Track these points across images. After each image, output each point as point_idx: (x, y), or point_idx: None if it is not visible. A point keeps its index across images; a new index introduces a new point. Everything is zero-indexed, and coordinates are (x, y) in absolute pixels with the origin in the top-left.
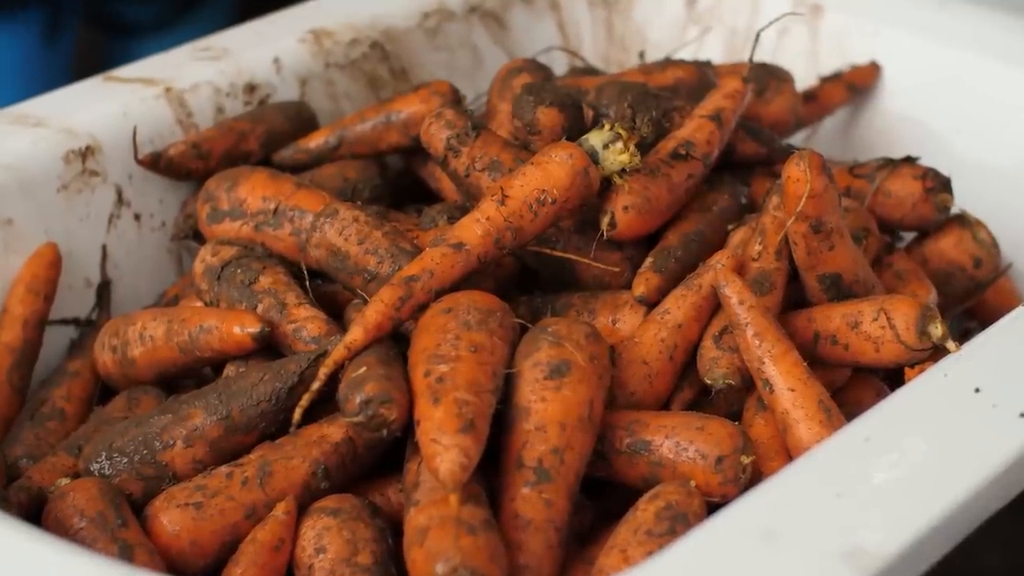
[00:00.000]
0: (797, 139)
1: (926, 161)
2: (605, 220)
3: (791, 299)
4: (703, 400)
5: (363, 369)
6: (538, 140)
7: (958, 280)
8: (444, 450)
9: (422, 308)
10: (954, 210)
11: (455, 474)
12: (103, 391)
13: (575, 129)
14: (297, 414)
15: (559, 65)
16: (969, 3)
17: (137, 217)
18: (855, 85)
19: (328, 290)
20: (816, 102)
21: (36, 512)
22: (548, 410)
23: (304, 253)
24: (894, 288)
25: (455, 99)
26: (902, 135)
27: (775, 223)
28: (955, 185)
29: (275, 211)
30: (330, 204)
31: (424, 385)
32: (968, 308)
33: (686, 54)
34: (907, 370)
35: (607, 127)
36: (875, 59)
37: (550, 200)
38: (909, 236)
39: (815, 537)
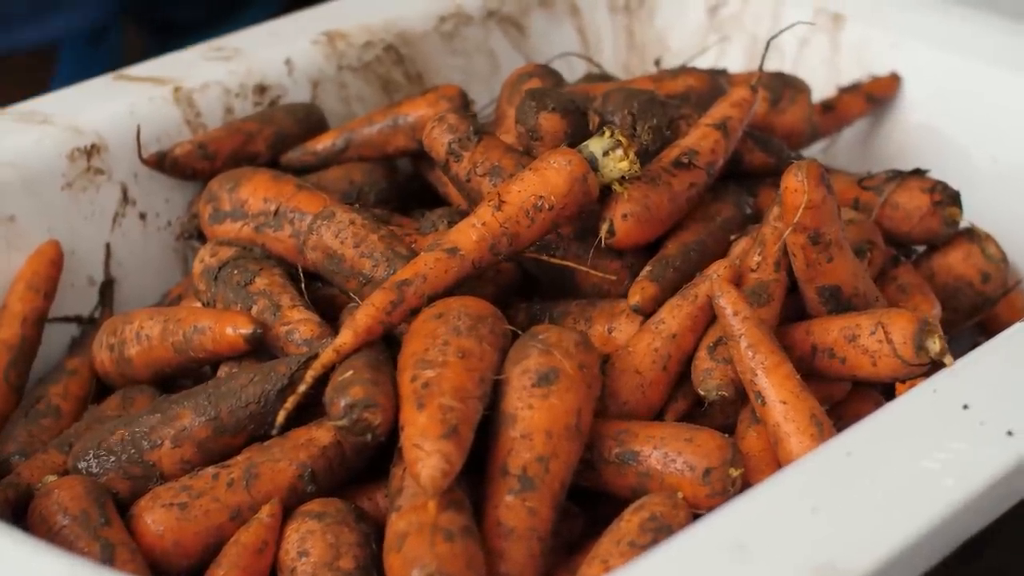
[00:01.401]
0: (815, 150)
1: (946, 173)
2: (604, 228)
3: (793, 311)
4: (697, 411)
5: (349, 373)
6: (540, 146)
7: (966, 295)
8: (426, 456)
9: (414, 313)
10: (966, 223)
11: (435, 480)
12: (102, 389)
13: (579, 135)
14: (281, 416)
15: (580, 72)
16: (991, 15)
17: (142, 216)
18: (874, 96)
19: (327, 293)
20: (834, 113)
21: (25, 509)
22: (534, 418)
23: (302, 255)
24: (897, 302)
25: (463, 103)
26: (921, 147)
27: (775, 234)
28: (975, 197)
29: (276, 212)
30: (327, 207)
31: (410, 390)
32: (980, 323)
33: (706, 62)
34: (898, 385)
35: (607, 134)
36: (895, 70)
37: (547, 206)
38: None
39: (786, 552)
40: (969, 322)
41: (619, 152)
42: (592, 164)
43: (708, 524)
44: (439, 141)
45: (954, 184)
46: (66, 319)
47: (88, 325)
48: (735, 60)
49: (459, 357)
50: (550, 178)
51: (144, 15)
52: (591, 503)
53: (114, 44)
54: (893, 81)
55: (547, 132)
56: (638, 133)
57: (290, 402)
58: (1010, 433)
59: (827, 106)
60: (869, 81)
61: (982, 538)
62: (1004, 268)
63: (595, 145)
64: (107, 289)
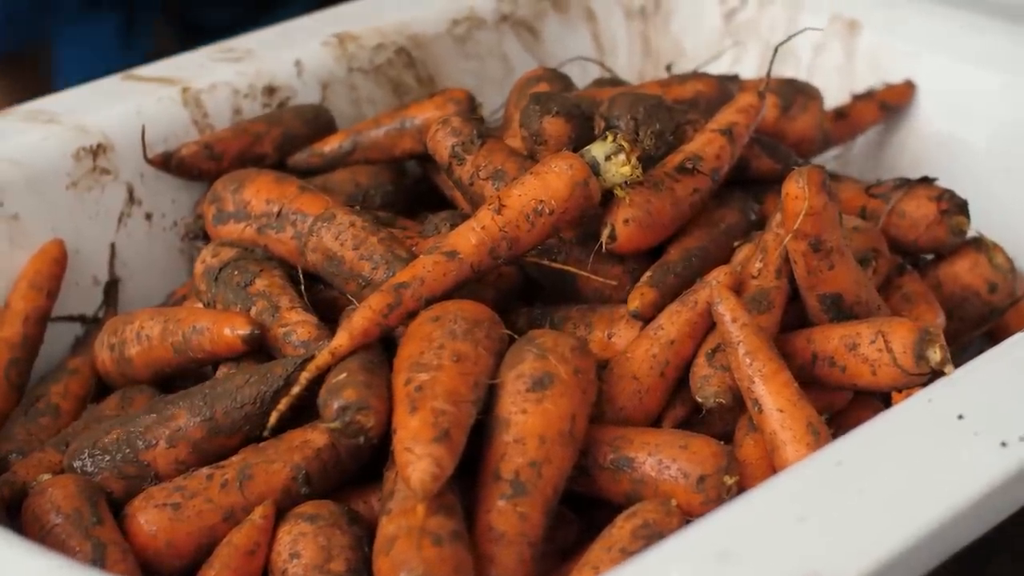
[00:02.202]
0: (829, 157)
1: (959, 182)
2: (605, 233)
3: (796, 319)
4: (696, 418)
5: (343, 375)
6: (544, 150)
7: (973, 305)
8: (416, 459)
9: (411, 316)
10: (977, 232)
11: (425, 484)
12: (105, 389)
13: (583, 140)
14: (273, 418)
15: (595, 77)
16: (1006, 23)
17: (148, 216)
18: (888, 104)
19: (329, 295)
20: (847, 120)
21: (20, 507)
22: (528, 423)
23: (303, 257)
24: (901, 311)
25: (471, 107)
26: (936, 155)
27: (776, 240)
28: (988, 206)
29: (278, 214)
30: (328, 209)
31: (404, 393)
32: (989, 333)
33: (721, 68)
34: (894, 394)
35: (610, 138)
36: (910, 78)
37: (547, 211)
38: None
39: (771, 560)
40: (976, 332)
41: (621, 157)
42: (594, 168)
43: (694, 531)
44: (442, 144)
45: (967, 193)
46: (70, 318)
47: (92, 325)
48: (750, 66)
49: (454, 361)
50: (551, 182)
51: (175, 18)
52: (587, 509)
53: (145, 47)
54: (907, 89)
55: (551, 136)
56: (641, 138)
57: (283, 403)
58: (1004, 444)
59: (840, 113)
60: (883, 88)
61: (987, 547)
62: (1012, 278)
63: (597, 149)
64: (111, 289)
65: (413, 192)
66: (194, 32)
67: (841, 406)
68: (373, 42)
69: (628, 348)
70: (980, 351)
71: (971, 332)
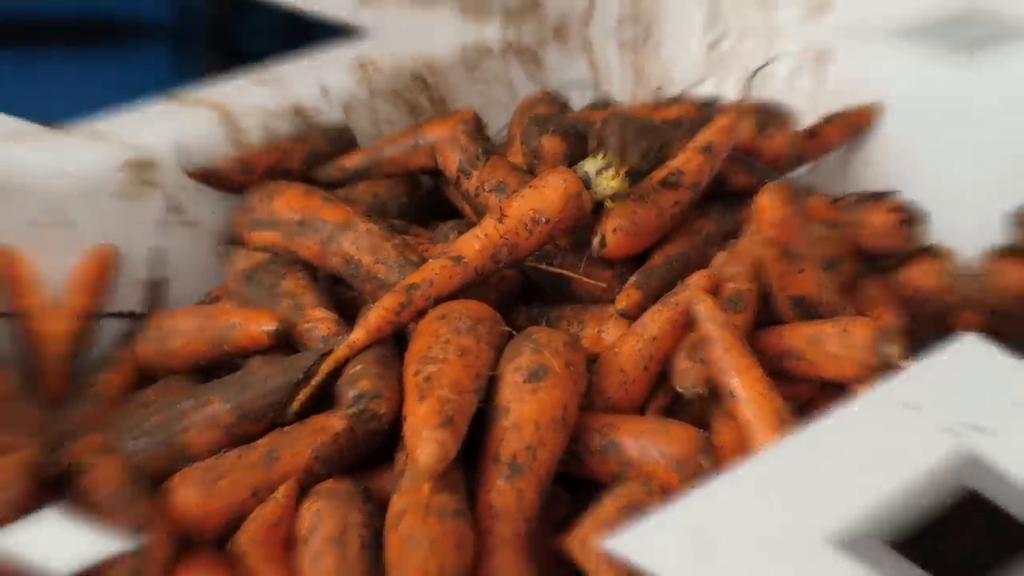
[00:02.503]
0: (800, 173)
1: (919, 196)
2: (596, 240)
3: (767, 318)
4: (677, 407)
5: (359, 367)
6: (542, 165)
7: (929, 305)
8: (424, 442)
9: (421, 314)
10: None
11: (431, 464)
12: (146, 379)
13: (577, 156)
14: (296, 405)
15: (590, 99)
16: (969, 55)
17: (189, 224)
18: (855, 124)
19: (349, 295)
20: (818, 139)
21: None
22: (524, 410)
23: (325, 260)
24: (863, 311)
25: (478, 127)
26: (898, 171)
27: (750, 248)
28: (951, 216)
29: (304, 222)
30: (349, 218)
31: (413, 384)
32: (949, 331)
33: (705, 92)
34: (855, 385)
35: (600, 156)
36: (880, 100)
37: (544, 220)
38: None
39: (740, 533)
40: (934, 331)
41: (611, 172)
42: (586, 182)
43: (672, 508)
44: (451, 160)
45: (926, 203)
46: (119, 315)
47: (138, 320)
48: (731, 90)
49: (458, 355)
50: (547, 195)
51: (224, 47)
52: (578, 488)
53: (198, 76)
54: (873, 111)
55: (548, 153)
56: (628, 155)
57: (303, 393)
58: (950, 431)
59: (811, 133)
60: (850, 110)
61: (939, 531)
62: (963, 281)
63: (589, 165)
64: (155, 289)
65: (426, 203)
66: (238, 60)
67: (807, 397)
68: (392, 69)
69: (616, 344)
70: (935, 348)
71: (928, 330)
